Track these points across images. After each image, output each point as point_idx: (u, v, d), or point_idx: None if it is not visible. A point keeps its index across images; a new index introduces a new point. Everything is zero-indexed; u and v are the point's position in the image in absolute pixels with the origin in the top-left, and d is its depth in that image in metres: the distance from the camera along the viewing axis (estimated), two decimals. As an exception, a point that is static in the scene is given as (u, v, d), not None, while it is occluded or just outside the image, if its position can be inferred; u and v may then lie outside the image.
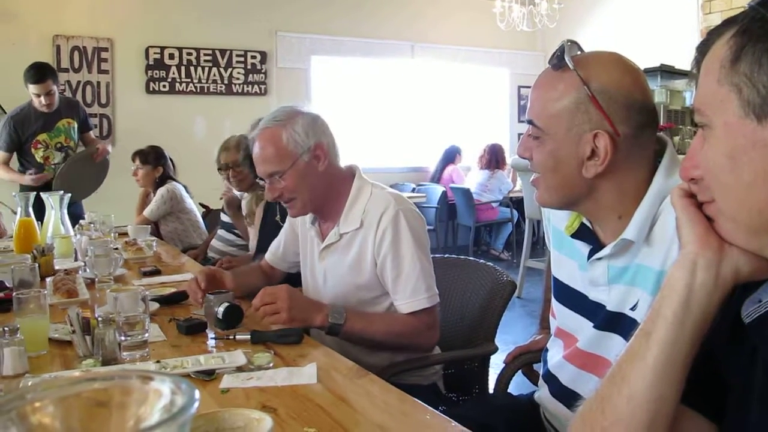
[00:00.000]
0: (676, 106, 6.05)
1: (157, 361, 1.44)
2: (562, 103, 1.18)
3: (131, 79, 6.47)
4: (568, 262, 1.40)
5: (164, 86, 6.63)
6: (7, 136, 4.46)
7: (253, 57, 7.05)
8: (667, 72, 5.91)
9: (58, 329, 1.69)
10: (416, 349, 1.87)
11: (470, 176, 7.75)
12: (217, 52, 6.86)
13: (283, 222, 2.27)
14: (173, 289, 2.18)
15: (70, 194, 3.23)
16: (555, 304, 1.46)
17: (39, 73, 4.34)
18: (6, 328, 1.45)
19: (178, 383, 0.42)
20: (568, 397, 1.35)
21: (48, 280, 2.33)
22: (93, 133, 4.93)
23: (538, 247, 6.79)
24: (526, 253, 5.69)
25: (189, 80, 6.75)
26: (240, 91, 7.01)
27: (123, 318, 1.52)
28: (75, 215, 4.00)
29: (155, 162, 4.63)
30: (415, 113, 8.13)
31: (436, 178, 7.91)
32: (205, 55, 6.80)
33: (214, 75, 6.88)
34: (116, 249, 2.98)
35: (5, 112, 5.65)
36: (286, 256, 2.21)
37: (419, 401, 1.22)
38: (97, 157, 4.63)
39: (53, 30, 6.06)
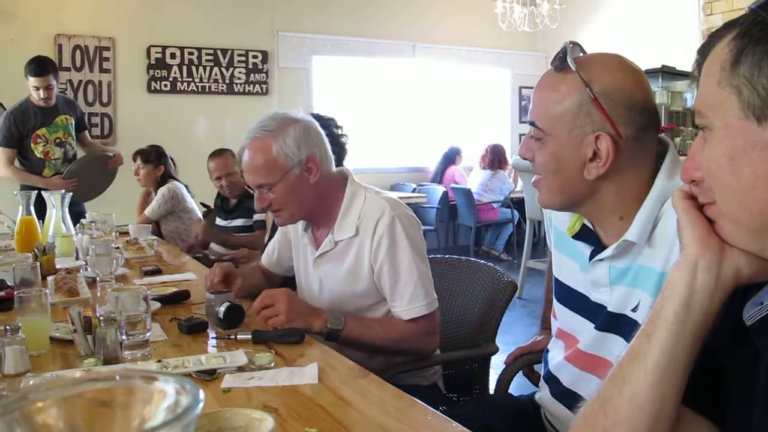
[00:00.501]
0: (678, 108, 6.05)
1: (159, 361, 1.44)
2: (564, 105, 1.18)
3: (133, 78, 6.47)
4: (569, 263, 1.40)
5: (166, 86, 6.64)
6: (7, 131, 4.46)
7: (255, 57, 7.06)
8: (668, 73, 5.91)
9: (60, 328, 1.69)
10: (416, 354, 1.86)
11: (472, 176, 7.76)
12: (219, 52, 6.86)
13: None
14: (174, 289, 2.18)
15: (73, 193, 3.23)
16: (556, 305, 1.47)
17: (40, 66, 4.37)
18: (7, 327, 1.45)
19: (183, 383, 0.42)
20: (568, 398, 1.35)
21: (49, 279, 2.33)
22: (93, 133, 4.95)
23: (539, 247, 6.79)
24: (526, 254, 5.69)
25: (190, 80, 6.75)
26: (241, 90, 7.01)
27: (124, 317, 1.52)
28: (77, 214, 4.00)
29: (157, 161, 4.64)
30: (416, 113, 8.13)
31: (437, 178, 7.91)
32: (207, 54, 6.81)
33: (216, 75, 6.88)
34: (117, 248, 2.98)
35: (5, 109, 5.67)
36: (281, 261, 2.19)
37: (420, 402, 1.22)
38: (111, 163, 4.65)
39: (55, 29, 6.07)
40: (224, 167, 4.05)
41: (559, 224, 1.44)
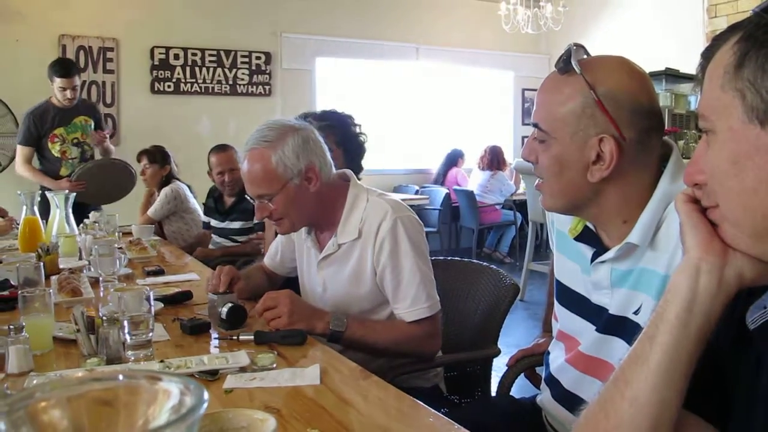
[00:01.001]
0: (681, 110, 6.04)
1: (161, 361, 1.44)
2: (568, 107, 1.18)
3: (136, 79, 6.48)
4: (571, 264, 1.40)
5: (169, 86, 6.65)
6: (26, 130, 4.56)
7: (258, 58, 7.06)
8: (672, 76, 5.91)
9: (63, 328, 1.69)
10: (418, 356, 1.86)
11: (471, 177, 7.76)
12: (222, 53, 6.87)
13: None
14: (177, 289, 2.18)
15: (84, 196, 3.23)
16: (557, 307, 1.47)
17: (66, 67, 4.52)
18: (11, 327, 1.45)
19: (187, 384, 0.42)
20: (570, 400, 1.35)
21: (53, 278, 2.34)
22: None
23: (542, 250, 6.78)
24: (529, 256, 5.69)
25: (194, 80, 6.76)
26: (244, 91, 7.02)
27: (127, 317, 1.52)
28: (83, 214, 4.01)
29: (162, 161, 4.66)
30: (420, 115, 8.13)
31: (440, 180, 7.92)
32: (210, 55, 6.81)
33: (219, 75, 6.88)
34: (120, 248, 2.98)
35: (10, 111, 5.70)
36: (284, 262, 2.20)
37: (421, 403, 1.22)
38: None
39: (59, 30, 6.07)
40: (228, 162, 4.00)
41: (560, 225, 1.44)
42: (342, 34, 7.42)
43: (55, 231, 2.92)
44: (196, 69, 6.76)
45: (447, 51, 8.00)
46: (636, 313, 1.23)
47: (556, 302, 1.48)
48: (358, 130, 2.48)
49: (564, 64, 1.18)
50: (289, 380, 1.34)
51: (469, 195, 7.31)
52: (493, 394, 1.94)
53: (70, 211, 3.05)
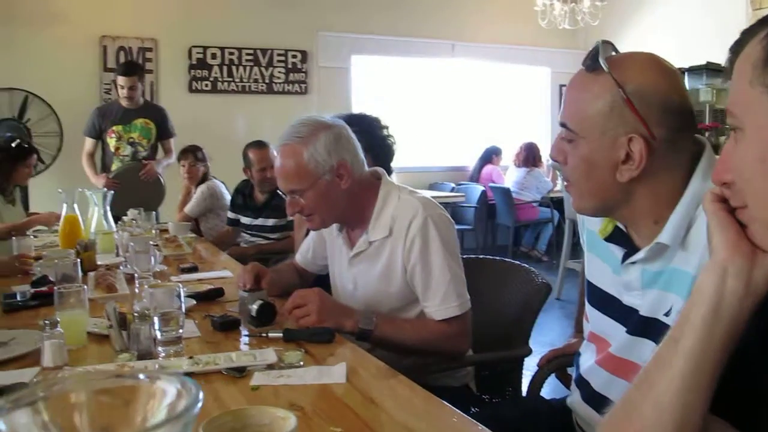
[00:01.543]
0: (722, 105, 5.90)
1: (190, 357, 1.46)
2: (596, 106, 1.16)
3: (175, 78, 6.58)
4: (601, 265, 1.38)
5: (206, 85, 6.73)
6: (91, 123, 4.88)
7: (294, 56, 7.11)
8: (713, 70, 5.76)
9: (98, 323, 1.73)
10: (447, 355, 1.86)
11: (508, 174, 7.70)
12: (259, 52, 6.93)
13: None
14: (210, 286, 2.21)
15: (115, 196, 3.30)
16: (588, 308, 1.44)
17: (128, 67, 4.94)
18: (46, 322, 1.49)
19: (185, 383, 0.43)
20: (599, 402, 1.33)
21: (90, 275, 2.39)
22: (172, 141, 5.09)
23: (579, 248, 6.66)
24: (566, 254, 5.62)
25: (231, 79, 6.83)
26: (281, 90, 7.07)
27: (158, 314, 1.55)
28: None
29: (204, 159, 4.73)
30: (455, 112, 8.10)
31: (475, 177, 7.87)
32: (247, 54, 6.88)
33: (255, 74, 6.95)
34: (156, 245, 3.03)
35: (53, 111, 5.84)
36: (315, 259, 2.21)
37: (447, 403, 1.22)
38: (143, 174, 4.80)
39: (100, 31, 6.20)
40: (268, 158, 3.92)
41: (591, 225, 1.41)
42: (378, 32, 7.42)
43: (94, 228, 2.98)
44: (233, 68, 6.84)
45: (483, 47, 7.94)
46: (667, 314, 1.20)
47: (586, 303, 1.45)
48: (385, 132, 2.47)
49: (591, 62, 1.16)
50: (315, 378, 1.35)
51: (505, 192, 7.25)
52: (525, 394, 1.92)
53: (108, 208, 3.11)
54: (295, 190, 1.85)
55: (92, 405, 0.44)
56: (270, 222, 4.07)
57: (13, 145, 3.93)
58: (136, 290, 2.22)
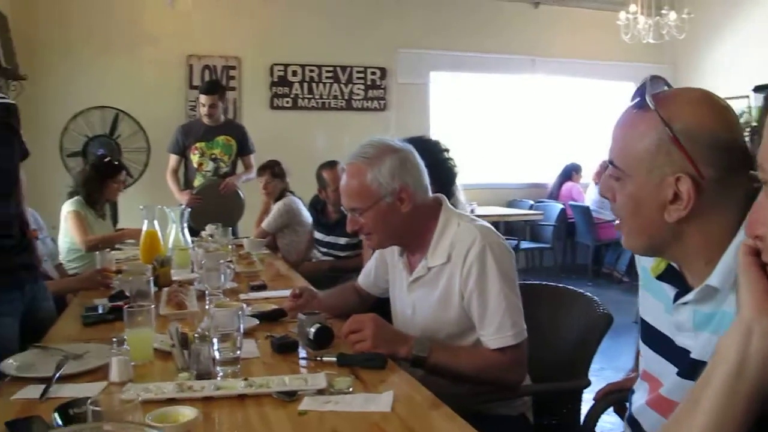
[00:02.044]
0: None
1: (245, 379, 1.51)
2: (642, 144, 1.14)
3: (257, 95, 6.81)
4: (655, 303, 1.35)
5: (287, 102, 6.93)
6: (175, 140, 5.14)
7: (373, 73, 7.21)
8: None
9: (164, 340, 1.80)
10: (502, 384, 1.84)
11: (587, 192, 7.53)
12: (338, 69, 7.08)
13: None
14: (274, 306, 2.27)
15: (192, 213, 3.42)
16: (641, 345, 1.41)
17: (210, 85, 5.22)
18: (114, 340, 1.59)
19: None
20: (649, 444, 1.30)
21: (165, 290, 2.50)
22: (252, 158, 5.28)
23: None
24: (645, 277, 5.42)
25: (311, 96, 7.00)
26: (360, 106, 7.19)
27: (217, 334, 1.61)
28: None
29: (282, 175, 4.86)
30: (535, 128, 8.00)
31: (554, 194, 7.73)
32: (327, 71, 7.04)
33: (335, 91, 7.10)
34: (230, 261, 3.13)
35: (141, 128, 6.15)
36: (377, 282, 2.24)
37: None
38: (222, 189, 4.98)
39: (187, 50, 6.50)
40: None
41: (645, 262, 1.38)
42: (457, 48, 7.44)
43: (171, 244, 3.12)
44: (313, 85, 7.01)
45: (564, 62, 7.82)
46: (719, 358, 1.16)
47: (640, 341, 1.42)
48: (445, 155, 2.48)
49: (638, 99, 1.14)
50: (361, 406, 1.38)
51: (585, 210, 7.09)
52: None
53: (185, 225, 3.24)
54: (355, 208, 1.90)
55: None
56: (342, 240, 4.14)
57: (105, 162, 4.16)
58: (206, 307, 2.31)
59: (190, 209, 3.42)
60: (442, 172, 2.42)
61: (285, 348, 1.81)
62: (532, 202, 7.66)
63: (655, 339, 1.34)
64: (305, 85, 6.97)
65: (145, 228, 3.08)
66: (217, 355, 1.60)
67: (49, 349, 1.80)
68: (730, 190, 1.13)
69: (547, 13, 7.73)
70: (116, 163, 4.30)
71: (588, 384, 1.95)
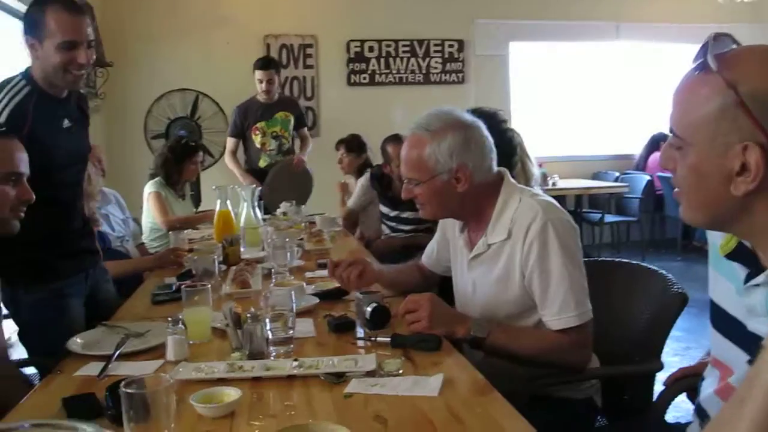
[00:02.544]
0: None
1: (295, 359, 1.51)
2: (704, 110, 1.03)
3: (334, 72, 6.82)
4: (725, 283, 1.24)
5: (364, 78, 6.90)
6: (233, 123, 5.16)
7: (451, 46, 7.08)
8: None
9: (222, 320, 1.83)
10: (565, 367, 1.76)
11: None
12: (415, 43, 6.98)
13: None
14: (336, 284, 2.25)
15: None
16: (711, 330, 1.30)
17: (265, 61, 5.13)
18: (170, 319, 1.61)
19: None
20: (717, 437, 1.20)
21: (233, 269, 2.53)
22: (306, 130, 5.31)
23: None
24: (739, 252, 5.12)
25: (388, 71, 6.95)
26: (438, 80, 7.09)
27: (270, 314, 1.61)
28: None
29: (359, 150, 4.84)
30: (620, 97, 7.64)
31: (641, 166, 7.39)
32: (404, 46, 6.96)
33: (412, 65, 7.02)
34: (301, 239, 3.15)
35: (221, 109, 6.28)
36: (440, 260, 2.18)
37: (531, 426, 1.15)
38: (295, 168, 5.00)
39: (264, 30, 6.57)
40: None
41: (714, 238, 1.27)
42: (536, 16, 7.18)
43: (243, 223, 3.16)
44: (390, 60, 6.95)
45: (650, 27, 7.40)
46: (795, 347, 1.05)
47: (710, 325, 1.31)
48: (504, 126, 2.37)
49: (700, 60, 1.03)
50: (408, 390, 1.34)
51: (675, 182, 6.74)
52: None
53: (257, 203, 3.28)
54: (411, 178, 1.87)
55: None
56: (406, 215, 4.05)
57: (181, 143, 4.27)
58: (271, 286, 2.33)
59: (260, 188, 3.44)
60: (502, 145, 2.33)
61: (341, 328, 1.79)
62: (617, 174, 7.36)
63: (726, 323, 1.23)
64: (382, 60, 6.92)
65: (218, 208, 3.13)
66: (269, 335, 1.60)
67: (115, 327, 1.85)
68: (806, 159, 1.01)
69: (632, -26, 7.34)
70: (192, 144, 4.39)
71: (660, 367, 1.83)
